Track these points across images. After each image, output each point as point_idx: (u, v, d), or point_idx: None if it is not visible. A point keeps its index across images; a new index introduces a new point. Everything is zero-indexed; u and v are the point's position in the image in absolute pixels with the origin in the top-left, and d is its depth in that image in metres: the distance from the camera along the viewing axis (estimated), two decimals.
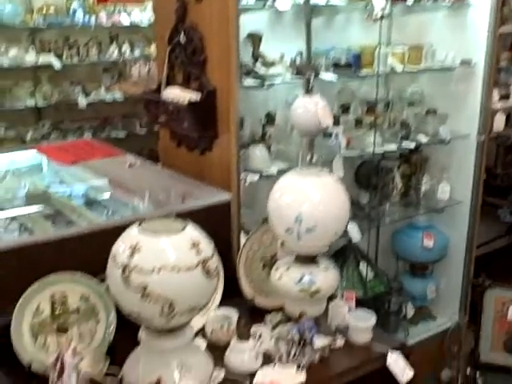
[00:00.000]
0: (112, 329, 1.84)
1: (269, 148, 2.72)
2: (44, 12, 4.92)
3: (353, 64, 2.85)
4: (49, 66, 4.95)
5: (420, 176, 3.34)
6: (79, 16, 5.07)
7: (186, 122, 2.38)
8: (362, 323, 1.92)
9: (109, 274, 1.59)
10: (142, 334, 1.69)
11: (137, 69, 4.75)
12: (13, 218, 2.40)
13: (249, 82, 2.50)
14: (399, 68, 2.98)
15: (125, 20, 5.31)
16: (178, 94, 2.48)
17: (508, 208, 4.71)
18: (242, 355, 1.79)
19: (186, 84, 2.52)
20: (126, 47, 5.31)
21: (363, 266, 3.13)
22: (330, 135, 2.82)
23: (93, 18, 5.14)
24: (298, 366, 1.80)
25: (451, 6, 3.08)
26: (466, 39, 3.11)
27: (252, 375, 1.77)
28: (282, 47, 2.75)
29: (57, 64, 4.95)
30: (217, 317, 1.94)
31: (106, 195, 2.49)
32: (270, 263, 2.11)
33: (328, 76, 2.73)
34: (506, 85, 4.52)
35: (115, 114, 5.39)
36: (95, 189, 2.55)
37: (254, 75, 2.56)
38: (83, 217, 2.40)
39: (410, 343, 3.13)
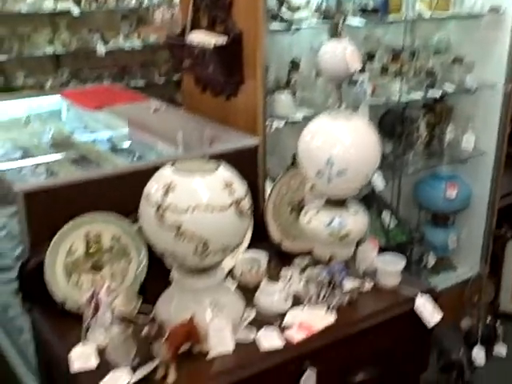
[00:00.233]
0: (143, 269, 1.86)
1: (293, 94, 2.69)
2: None
3: (380, 9, 2.79)
4: (67, 13, 4.90)
5: (444, 126, 3.30)
6: None
7: (212, 67, 2.36)
8: (390, 267, 1.93)
9: (142, 213, 1.60)
10: (174, 274, 1.72)
11: (160, 13, 4.68)
12: (39, 163, 2.41)
13: (275, 25, 2.46)
14: (427, 14, 2.92)
15: None
16: (203, 38, 2.44)
17: None
18: (272, 296, 1.81)
19: (210, 28, 2.48)
20: None
21: (386, 215, 3.13)
22: (356, 83, 2.78)
23: None
24: (328, 308, 1.81)
25: None
26: None
27: (282, 316, 1.79)
28: None
29: (75, 10, 4.90)
30: (246, 259, 1.95)
31: (132, 140, 2.49)
32: (297, 208, 2.11)
33: (355, 21, 2.69)
34: None
35: (134, 62, 5.35)
36: (120, 134, 2.55)
37: (279, 19, 2.52)
38: (109, 162, 2.40)
39: None
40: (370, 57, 2.95)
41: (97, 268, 1.68)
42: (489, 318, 3.35)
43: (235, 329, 1.70)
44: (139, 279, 1.86)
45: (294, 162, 2.92)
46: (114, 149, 2.54)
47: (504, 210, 3.55)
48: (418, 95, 2.96)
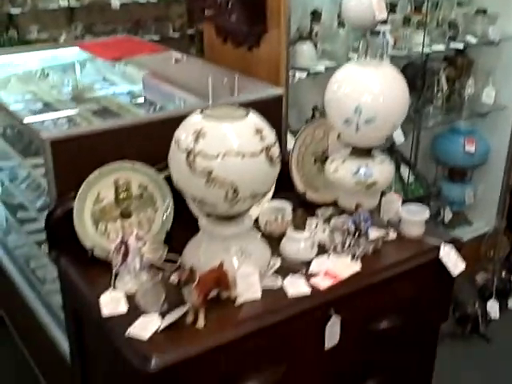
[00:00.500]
0: (169, 218, 1.87)
1: (315, 46, 2.66)
2: None
3: None
4: None
5: (465, 80, 3.27)
6: None
7: (235, 16, 2.33)
8: (415, 217, 1.93)
9: (172, 160, 1.60)
10: (202, 222, 1.73)
11: None
12: (60, 115, 2.40)
13: None
14: None
15: None
16: None
17: None
18: (297, 244, 1.82)
19: None
20: None
21: (404, 170, 3.13)
22: (377, 34, 2.74)
23: None
24: (353, 257, 1.83)
25: None
26: None
27: (307, 264, 1.81)
28: None
29: None
30: (270, 209, 1.96)
31: (153, 91, 2.47)
32: (320, 158, 2.11)
33: None
34: None
35: (148, 16, 5.29)
36: (141, 85, 2.53)
37: None
38: (131, 113, 2.39)
39: None
40: (391, 7, 2.91)
41: (125, 215, 1.69)
42: (503, 273, 3.38)
43: (262, 276, 1.72)
44: (165, 228, 1.88)
45: (314, 115, 2.92)
46: (135, 100, 2.53)
47: None
48: (440, 47, 2.93)
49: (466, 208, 3.55)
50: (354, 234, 1.82)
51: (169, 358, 1.49)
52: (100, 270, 1.78)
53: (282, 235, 1.89)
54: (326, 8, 2.75)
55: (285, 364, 1.70)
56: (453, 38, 2.97)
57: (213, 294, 1.63)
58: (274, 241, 1.88)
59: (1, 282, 2.84)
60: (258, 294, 1.67)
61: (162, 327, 1.56)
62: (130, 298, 1.66)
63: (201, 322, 1.57)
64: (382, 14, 1.92)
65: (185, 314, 1.59)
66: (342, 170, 1.89)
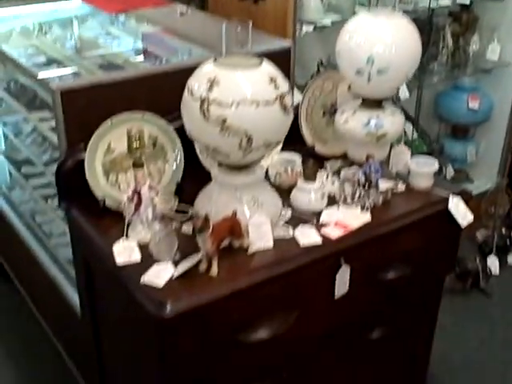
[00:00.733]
0: (179, 169, 1.87)
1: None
2: None
3: None
4: None
5: (469, 36, 3.25)
6: None
7: None
8: (424, 169, 1.94)
9: (185, 109, 1.59)
10: (214, 171, 1.73)
11: None
12: (65, 68, 2.38)
13: None
14: None
15: None
16: None
17: None
18: (308, 195, 1.83)
19: None
20: None
21: (408, 126, 3.13)
22: None
23: None
24: (362, 207, 1.84)
25: None
26: None
27: (317, 215, 1.82)
28: None
29: None
30: (280, 160, 1.96)
31: (159, 44, 2.44)
32: (329, 111, 2.10)
33: None
34: None
35: None
36: (146, 38, 2.50)
37: None
38: (137, 67, 2.37)
39: None
40: None
41: (138, 165, 1.69)
42: (503, 229, 3.42)
43: (273, 226, 1.73)
44: (175, 180, 1.88)
45: (319, 70, 2.90)
46: (140, 54, 2.50)
47: None
48: (446, 1, 2.90)
49: (468, 166, 3.56)
50: (364, 185, 1.83)
51: (184, 305, 1.51)
52: (111, 221, 1.79)
53: (292, 187, 1.90)
54: None
55: (296, 312, 1.73)
56: None
57: (225, 243, 1.65)
58: (283, 193, 1.88)
59: (7, 237, 2.85)
60: (270, 243, 1.69)
61: (176, 275, 1.57)
62: (143, 248, 1.67)
63: (214, 270, 1.59)
64: None
65: (198, 263, 1.61)
66: (353, 121, 1.89)
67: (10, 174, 2.88)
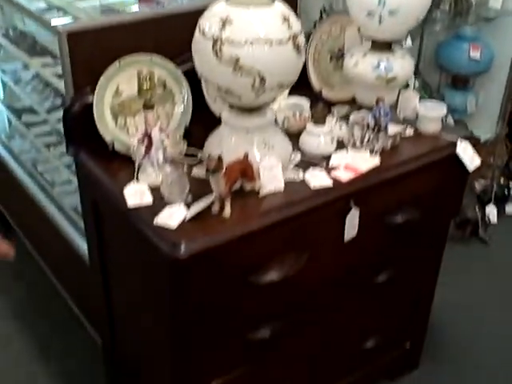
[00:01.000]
0: (188, 112, 1.86)
1: None
2: None
3: None
4: None
5: None
6: None
7: None
8: (432, 113, 1.94)
9: (197, 49, 1.57)
10: (224, 114, 1.72)
11: None
12: (66, 14, 2.33)
13: None
14: None
15: None
16: None
17: None
18: (317, 138, 1.82)
19: None
20: None
21: None
22: None
23: None
24: (371, 151, 1.84)
25: None
26: None
27: (327, 158, 1.82)
28: None
29: None
30: (288, 105, 1.95)
31: None
32: (336, 55, 2.09)
33: None
34: None
35: None
36: None
37: None
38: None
39: None
40: None
41: (148, 107, 1.67)
42: (502, 179, 3.44)
43: (284, 169, 1.73)
44: (184, 123, 1.87)
45: (322, 17, 2.87)
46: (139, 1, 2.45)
47: None
48: None
49: (467, 116, 3.56)
50: (374, 129, 1.83)
51: (197, 245, 1.52)
52: (120, 164, 1.79)
53: (300, 132, 1.89)
54: None
55: (306, 254, 1.74)
56: None
57: (236, 185, 1.65)
58: (291, 137, 1.87)
59: (8, 187, 2.84)
60: (281, 186, 1.69)
61: (189, 216, 1.58)
62: (154, 191, 1.67)
63: (227, 211, 1.59)
64: None
65: (210, 205, 1.61)
66: (363, 64, 1.87)
67: (10, 122, 2.86)
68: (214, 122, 1.86)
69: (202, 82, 1.87)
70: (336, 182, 1.74)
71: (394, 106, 2.01)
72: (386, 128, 1.84)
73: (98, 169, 1.80)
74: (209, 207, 1.61)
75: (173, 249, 1.50)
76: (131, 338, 2.05)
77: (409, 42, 2.81)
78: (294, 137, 1.88)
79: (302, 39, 1.56)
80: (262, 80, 1.52)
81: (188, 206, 1.62)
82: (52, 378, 2.38)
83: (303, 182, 1.73)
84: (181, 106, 1.85)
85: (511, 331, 2.65)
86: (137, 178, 1.71)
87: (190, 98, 1.86)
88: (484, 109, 3.53)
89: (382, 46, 1.87)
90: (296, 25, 1.55)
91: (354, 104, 2.04)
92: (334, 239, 1.80)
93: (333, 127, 1.87)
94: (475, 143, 1.97)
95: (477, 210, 3.20)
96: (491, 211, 3.27)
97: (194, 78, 1.86)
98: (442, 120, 1.98)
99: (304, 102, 1.97)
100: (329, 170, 1.78)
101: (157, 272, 1.64)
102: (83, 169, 1.87)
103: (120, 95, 1.78)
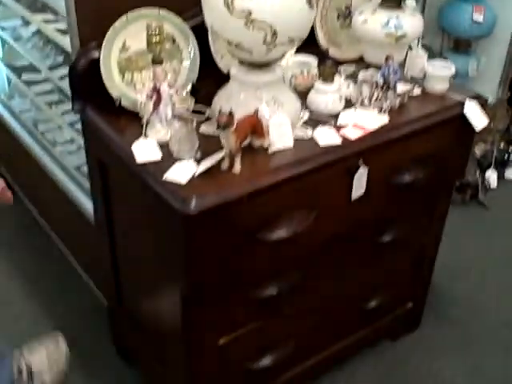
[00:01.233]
0: (195, 68, 1.84)
1: None
2: None
3: None
4: None
5: None
6: None
7: None
8: (441, 72, 1.92)
9: (208, 2, 1.55)
10: (233, 70, 1.70)
11: None
12: None
13: None
14: None
15: None
16: None
17: None
18: (325, 96, 1.81)
19: None
20: None
21: None
22: None
23: None
24: (380, 110, 1.83)
25: None
26: None
27: (335, 117, 1.81)
28: None
29: None
30: (296, 63, 1.93)
31: None
32: (344, 14, 2.06)
33: None
34: None
35: None
36: None
37: None
38: None
39: None
40: None
41: (157, 61, 1.65)
42: (502, 144, 3.44)
43: (293, 126, 1.72)
44: (191, 80, 1.85)
45: None
46: None
47: None
48: None
49: (469, 80, 3.54)
50: (382, 87, 1.82)
51: (208, 201, 1.51)
52: (127, 120, 1.77)
53: (307, 90, 1.88)
54: None
55: (315, 212, 1.75)
56: None
57: (245, 142, 1.64)
58: (299, 95, 1.86)
59: (8, 147, 2.82)
60: (290, 143, 1.68)
61: (198, 172, 1.57)
62: (162, 147, 1.66)
63: (237, 167, 1.58)
64: None
65: (220, 161, 1.60)
66: (372, 21, 1.85)
67: (9, 81, 2.82)
68: (221, 79, 1.84)
69: (210, 37, 1.86)
70: (345, 140, 1.73)
71: (402, 65, 1.99)
72: (394, 87, 1.82)
73: (104, 125, 1.78)
74: (218, 164, 1.60)
75: (183, 204, 1.50)
76: (139, 297, 2.06)
77: (413, 2, 2.77)
78: (302, 95, 1.87)
79: None
80: (274, 34, 1.51)
81: (197, 162, 1.61)
82: None
83: (312, 140, 1.73)
84: (188, 62, 1.83)
85: (510, 291, 2.68)
86: (145, 135, 1.69)
87: (198, 53, 1.83)
88: (486, 73, 3.52)
89: (392, 3, 1.85)
90: None
91: (360, 63, 2.03)
92: (341, 198, 1.80)
93: (340, 86, 1.86)
94: (483, 103, 1.96)
95: (477, 174, 3.21)
96: (491, 176, 3.28)
97: (200, 35, 1.84)
98: (450, 80, 1.97)
99: (311, 60, 1.95)
100: (337, 128, 1.77)
101: (167, 228, 1.64)
102: (89, 125, 1.85)
103: (127, 50, 1.75)
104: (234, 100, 1.70)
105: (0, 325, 2.38)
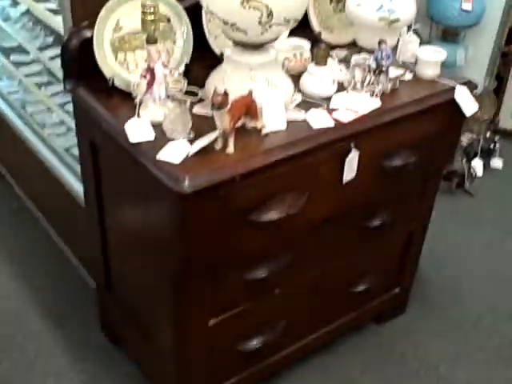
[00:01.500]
0: (188, 49, 1.83)
1: None
2: None
3: None
4: None
5: None
6: None
7: None
8: (432, 58, 1.94)
9: None
10: (227, 52, 1.70)
11: None
12: None
13: None
14: None
15: None
16: None
17: None
18: (318, 79, 1.82)
19: None
20: None
21: None
22: None
23: None
24: (372, 94, 1.84)
25: None
26: None
27: (327, 100, 1.82)
28: None
29: None
30: (289, 46, 1.93)
31: None
32: None
33: None
34: None
35: None
36: None
37: None
38: None
39: None
40: None
41: (152, 41, 1.64)
42: (488, 133, 3.48)
43: (286, 108, 1.73)
44: (184, 61, 1.84)
45: None
46: None
47: None
48: None
49: (456, 70, 3.56)
50: (375, 71, 1.82)
51: (201, 180, 1.52)
52: (120, 100, 1.76)
53: (300, 73, 1.88)
54: None
55: (307, 193, 1.76)
56: None
57: (239, 123, 1.64)
58: (292, 79, 1.86)
59: None
60: (283, 125, 1.69)
61: (192, 152, 1.57)
62: (156, 127, 1.66)
63: (231, 148, 1.59)
64: None
65: (213, 142, 1.60)
66: (365, 4, 1.85)
67: None
68: (213, 60, 1.84)
69: (204, 18, 1.85)
70: (337, 122, 1.74)
71: (394, 50, 2.00)
72: (387, 71, 1.83)
73: (97, 104, 1.77)
74: (211, 144, 1.60)
75: (177, 183, 1.50)
76: (128, 278, 2.06)
77: None
78: (294, 79, 1.87)
79: None
80: (270, 14, 1.51)
81: (190, 142, 1.61)
82: (43, 320, 2.39)
83: (305, 122, 1.73)
84: (182, 43, 1.82)
85: (494, 280, 2.72)
86: (138, 115, 1.69)
87: (191, 34, 1.83)
88: (473, 62, 3.54)
89: None
90: None
91: (353, 47, 2.03)
92: (333, 181, 1.81)
93: (333, 69, 1.86)
94: (473, 89, 1.98)
95: (463, 163, 3.24)
96: (477, 165, 3.31)
97: (193, 16, 1.84)
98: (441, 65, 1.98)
99: (304, 43, 1.95)
100: (330, 111, 1.78)
101: (160, 208, 1.64)
102: (81, 105, 1.84)
103: (120, 30, 1.74)
104: (228, 81, 1.69)
105: None
